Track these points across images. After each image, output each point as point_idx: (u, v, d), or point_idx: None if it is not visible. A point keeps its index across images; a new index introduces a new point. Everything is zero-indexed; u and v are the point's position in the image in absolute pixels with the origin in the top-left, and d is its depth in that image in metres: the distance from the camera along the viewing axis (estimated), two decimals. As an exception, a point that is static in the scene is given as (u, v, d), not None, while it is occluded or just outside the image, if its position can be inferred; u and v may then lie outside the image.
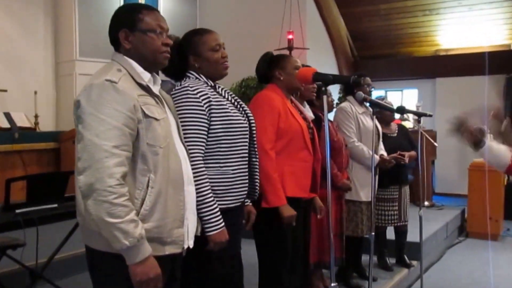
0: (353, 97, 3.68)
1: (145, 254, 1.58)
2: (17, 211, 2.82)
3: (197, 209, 1.95)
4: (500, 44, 8.07)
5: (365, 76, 3.81)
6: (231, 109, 2.15)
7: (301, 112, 2.79)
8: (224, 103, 2.14)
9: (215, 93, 2.14)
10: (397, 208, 4.14)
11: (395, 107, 3.66)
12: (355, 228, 3.66)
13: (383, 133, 4.05)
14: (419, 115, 3.57)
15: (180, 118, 2.00)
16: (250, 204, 2.41)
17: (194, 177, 1.95)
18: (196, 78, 2.16)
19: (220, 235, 2.00)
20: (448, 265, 5.04)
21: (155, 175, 1.66)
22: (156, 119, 1.69)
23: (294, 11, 7.66)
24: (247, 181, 2.22)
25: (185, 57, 2.18)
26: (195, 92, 2.06)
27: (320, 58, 8.25)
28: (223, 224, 2.01)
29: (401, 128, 4.36)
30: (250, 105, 2.61)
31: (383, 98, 4.17)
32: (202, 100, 2.06)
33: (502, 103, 7.48)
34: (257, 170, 2.33)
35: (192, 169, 1.94)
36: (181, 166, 1.79)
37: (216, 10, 8.46)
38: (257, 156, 2.32)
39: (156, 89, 1.81)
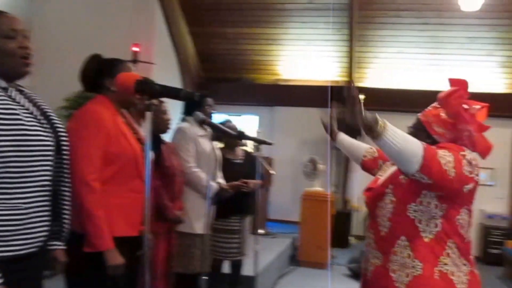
0: (193, 118, 3.37)
1: None
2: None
3: None
4: (333, 80, 8.52)
5: (206, 96, 3.54)
6: (28, 121, 1.62)
7: (135, 132, 2.30)
8: (17, 112, 1.59)
9: (5, 97, 1.60)
10: (237, 240, 3.84)
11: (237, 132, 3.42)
12: (187, 264, 3.26)
13: (227, 159, 3.78)
14: (259, 142, 3.40)
15: None
16: (60, 247, 1.85)
17: None
18: None
19: None
20: (279, 297, 4.95)
21: None
22: None
23: (142, 24, 7.30)
24: (48, 218, 1.69)
25: None
26: None
27: (166, 75, 7.88)
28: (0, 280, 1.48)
29: (247, 154, 4.12)
30: (71, 122, 2.09)
31: (228, 122, 3.90)
32: None
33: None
34: (67, 203, 1.82)
35: None
36: None
37: (57, 13, 7.54)
38: (68, 185, 1.82)
39: None
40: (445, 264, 1.80)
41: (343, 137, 2.50)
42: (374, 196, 2.00)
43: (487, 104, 1.95)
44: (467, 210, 1.87)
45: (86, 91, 2.33)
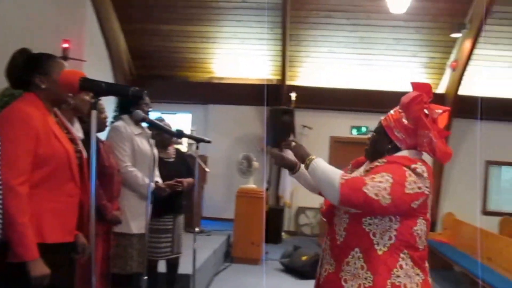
0: (129, 116, 3.31)
1: None
2: None
3: None
4: (266, 78, 8.63)
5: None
6: None
7: (68, 131, 2.19)
8: None
9: None
10: (170, 239, 3.80)
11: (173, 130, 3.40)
12: (123, 264, 3.19)
13: (159, 158, 3.73)
14: (197, 140, 3.40)
15: None
16: None
17: None
18: None
19: None
20: (215, 294, 4.97)
21: None
22: None
23: (72, 19, 7.06)
24: None
25: None
26: None
27: (97, 72, 7.64)
28: None
29: (179, 152, 4.10)
30: None
31: (162, 120, 3.85)
32: None
33: (265, 132, 7.95)
34: None
35: None
36: None
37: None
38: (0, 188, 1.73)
39: None
40: (398, 276, 1.80)
41: (305, 171, 2.16)
42: (329, 205, 1.98)
43: (448, 108, 1.94)
44: (424, 220, 1.87)
45: (13, 88, 2.20)
